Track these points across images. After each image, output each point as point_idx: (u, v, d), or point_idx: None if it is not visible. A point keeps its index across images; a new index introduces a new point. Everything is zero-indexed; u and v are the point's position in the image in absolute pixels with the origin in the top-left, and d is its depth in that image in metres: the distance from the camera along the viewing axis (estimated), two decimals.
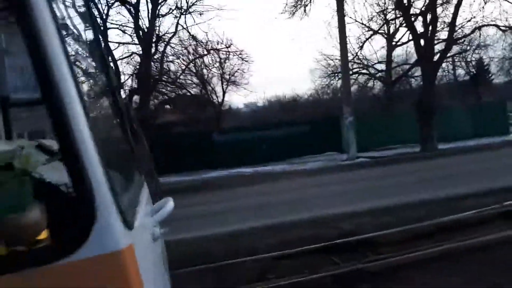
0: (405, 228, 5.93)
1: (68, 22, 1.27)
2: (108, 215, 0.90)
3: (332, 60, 24.27)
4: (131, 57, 17.36)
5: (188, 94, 21.87)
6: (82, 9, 1.71)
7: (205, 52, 19.97)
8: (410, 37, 19.79)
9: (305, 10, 20.06)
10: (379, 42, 42.28)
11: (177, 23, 16.93)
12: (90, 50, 1.70)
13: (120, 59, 17.20)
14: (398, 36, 25.22)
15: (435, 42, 18.43)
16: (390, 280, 4.36)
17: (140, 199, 1.49)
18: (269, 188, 11.94)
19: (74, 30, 1.35)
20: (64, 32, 1.02)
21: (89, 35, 1.78)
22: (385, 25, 23.20)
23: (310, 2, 19.75)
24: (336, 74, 24.16)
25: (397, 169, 13.30)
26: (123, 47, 21.04)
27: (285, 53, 53.07)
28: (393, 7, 20.26)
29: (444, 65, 21.59)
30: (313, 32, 55.13)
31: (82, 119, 0.94)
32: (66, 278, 0.86)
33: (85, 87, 1.14)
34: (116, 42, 18.28)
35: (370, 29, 22.88)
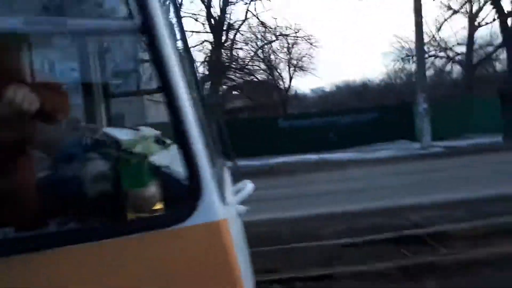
0: (481, 223, 5.63)
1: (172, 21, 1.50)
2: (210, 192, 1.14)
3: (406, 42, 23.04)
4: (203, 45, 17.94)
5: (256, 80, 22.16)
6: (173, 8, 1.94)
7: (274, 38, 20.06)
8: (496, 16, 18.12)
9: None
10: (459, 22, 39.17)
11: (247, 10, 17.14)
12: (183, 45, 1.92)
13: (192, 47, 17.87)
14: (481, 15, 23.08)
15: None
16: (460, 276, 4.21)
17: (225, 180, 1.72)
18: (336, 176, 11.83)
19: (175, 31, 1.55)
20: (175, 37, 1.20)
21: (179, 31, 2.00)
22: (467, 3, 21.44)
23: None
24: (411, 58, 22.90)
25: (475, 160, 12.42)
26: (196, 35, 21.78)
27: (355, 36, 51.27)
28: None
29: None
30: (386, 13, 52.61)
31: (191, 113, 1.16)
32: (177, 240, 1.11)
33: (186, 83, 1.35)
34: (189, 31, 19.05)
35: (449, 8, 21.34)
